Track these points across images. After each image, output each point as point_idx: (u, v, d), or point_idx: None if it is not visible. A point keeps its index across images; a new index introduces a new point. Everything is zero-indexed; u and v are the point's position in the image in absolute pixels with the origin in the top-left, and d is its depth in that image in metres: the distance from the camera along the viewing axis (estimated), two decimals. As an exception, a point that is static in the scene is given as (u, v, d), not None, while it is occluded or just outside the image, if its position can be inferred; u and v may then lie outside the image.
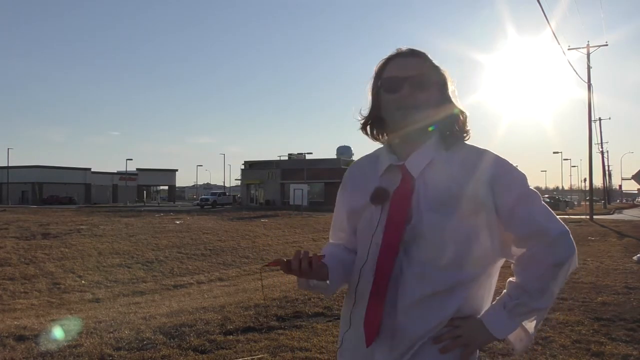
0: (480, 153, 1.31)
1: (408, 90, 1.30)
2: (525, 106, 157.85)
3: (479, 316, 1.33)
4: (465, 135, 1.37)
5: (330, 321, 5.02)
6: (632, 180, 18.80)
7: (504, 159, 1.31)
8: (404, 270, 1.29)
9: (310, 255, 1.32)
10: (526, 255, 1.30)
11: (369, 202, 1.36)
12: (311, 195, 49.52)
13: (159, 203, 66.35)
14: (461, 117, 1.36)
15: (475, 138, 1.38)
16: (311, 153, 55.92)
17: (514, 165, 1.32)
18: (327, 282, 1.38)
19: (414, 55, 1.36)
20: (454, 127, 1.35)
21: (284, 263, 1.33)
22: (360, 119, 1.44)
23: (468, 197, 1.26)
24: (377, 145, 1.47)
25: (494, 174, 1.27)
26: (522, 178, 1.30)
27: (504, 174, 1.28)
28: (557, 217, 1.30)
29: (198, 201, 56.09)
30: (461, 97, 1.40)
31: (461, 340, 1.27)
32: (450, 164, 1.29)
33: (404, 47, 1.38)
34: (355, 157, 62.96)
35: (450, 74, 1.38)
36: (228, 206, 52.19)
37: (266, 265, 1.39)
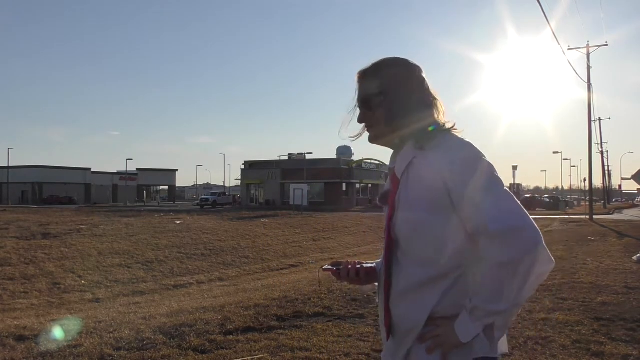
0: (448, 149, 1.29)
1: (361, 115, 1.41)
2: (525, 106, 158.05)
3: None
4: (443, 129, 1.36)
5: (330, 321, 5.02)
6: (632, 180, 18.80)
7: (466, 152, 1.28)
8: (393, 267, 1.37)
9: (358, 265, 1.44)
10: (478, 253, 1.23)
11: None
12: (311, 195, 49.50)
13: (159, 203, 66.34)
14: (427, 114, 1.37)
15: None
16: (311, 153, 55.93)
17: (479, 156, 1.28)
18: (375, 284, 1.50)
19: (363, 77, 1.42)
20: (423, 126, 1.35)
21: (336, 273, 1.45)
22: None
23: (433, 194, 1.26)
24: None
25: (452, 169, 1.25)
26: (477, 168, 1.24)
27: (460, 166, 1.25)
28: (516, 209, 1.20)
29: (198, 201, 56.10)
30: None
31: (439, 340, 1.28)
32: (423, 163, 1.30)
33: (361, 69, 1.43)
34: (355, 157, 63.10)
35: (408, 71, 1.39)
36: (228, 206, 52.19)
37: (324, 269, 1.50)
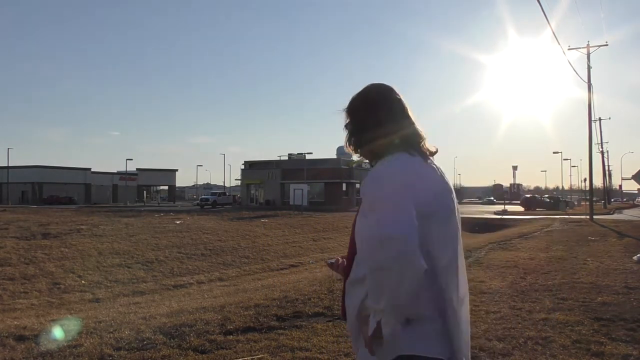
0: (373, 168, 1.53)
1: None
2: (525, 106, 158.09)
3: None
4: (379, 152, 1.57)
5: (330, 321, 5.02)
6: (632, 180, 18.79)
7: (375, 172, 1.48)
8: (353, 263, 1.58)
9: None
10: None
11: None
12: (311, 195, 49.46)
13: (159, 203, 66.35)
14: (367, 138, 1.59)
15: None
16: (311, 153, 55.87)
17: (381, 176, 1.46)
18: None
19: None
20: (368, 148, 1.61)
21: (331, 265, 1.77)
22: None
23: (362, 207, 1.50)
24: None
25: (363, 184, 1.50)
26: (367, 186, 1.46)
27: (364, 182, 1.49)
28: (388, 220, 1.33)
29: (198, 201, 56.06)
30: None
31: (363, 335, 1.44)
32: None
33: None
34: (355, 158, 62.84)
35: (363, 101, 1.61)
36: (228, 206, 52.18)
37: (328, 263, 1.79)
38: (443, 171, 1.59)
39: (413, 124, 1.60)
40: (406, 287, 1.32)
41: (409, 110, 1.62)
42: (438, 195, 1.48)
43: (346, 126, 1.65)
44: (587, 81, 28.54)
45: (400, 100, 1.61)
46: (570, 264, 9.36)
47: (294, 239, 21.05)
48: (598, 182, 65.20)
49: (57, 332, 4.83)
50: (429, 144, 1.61)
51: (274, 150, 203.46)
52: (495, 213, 39.40)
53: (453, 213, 1.53)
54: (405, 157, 1.50)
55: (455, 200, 1.58)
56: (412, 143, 1.55)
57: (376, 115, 1.57)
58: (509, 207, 47.61)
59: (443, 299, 1.45)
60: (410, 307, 1.38)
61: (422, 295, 1.40)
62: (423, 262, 1.32)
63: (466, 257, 11.44)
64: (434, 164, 1.57)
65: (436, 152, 1.62)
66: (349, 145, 1.66)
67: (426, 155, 1.56)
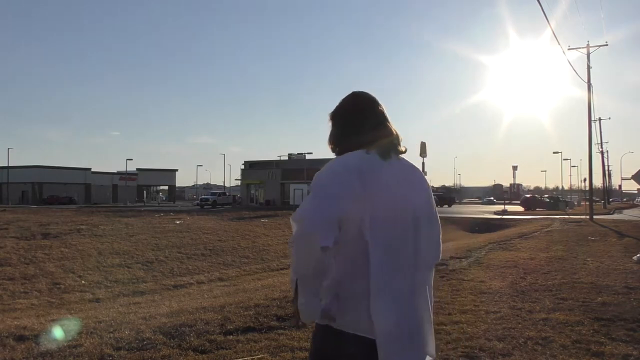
0: None
1: None
2: (525, 106, 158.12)
3: None
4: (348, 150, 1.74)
5: (330, 321, 5.02)
6: (632, 180, 18.78)
7: (319, 171, 1.66)
8: None
9: None
10: None
11: None
12: (311, 195, 49.26)
13: (159, 203, 66.33)
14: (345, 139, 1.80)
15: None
16: (311, 153, 55.84)
17: (317, 174, 1.63)
18: None
19: None
20: (344, 147, 1.80)
21: None
22: None
23: None
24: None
25: None
26: (312, 182, 1.64)
27: None
28: (303, 208, 1.55)
29: (198, 201, 55.96)
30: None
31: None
32: None
33: None
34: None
35: (338, 109, 1.85)
36: (228, 206, 52.18)
37: None
38: (409, 167, 1.79)
39: (385, 127, 1.78)
40: (305, 261, 1.50)
41: (382, 115, 1.80)
42: (376, 184, 1.60)
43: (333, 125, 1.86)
44: (587, 81, 28.55)
45: (372, 109, 1.80)
46: (570, 264, 9.36)
47: (294, 239, 21.01)
48: (598, 182, 65.18)
49: (57, 332, 4.82)
50: (400, 145, 1.78)
51: (274, 150, 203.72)
52: (495, 213, 39.38)
53: (394, 199, 1.63)
54: (358, 153, 1.67)
55: (422, 192, 1.75)
56: (374, 143, 1.71)
57: (343, 125, 1.81)
58: (509, 207, 47.59)
59: (381, 280, 1.54)
60: (316, 281, 1.52)
61: (350, 273, 1.57)
62: (324, 242, 1.46)
63: (466, 257, 11.33)
64: (396, 161, 1.73)
65: (404, 151, 1.80)
66: (330, 142, 1.86)
67: (387, 154, 1.70)
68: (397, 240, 1.60)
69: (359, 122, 1.77)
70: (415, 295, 1.62)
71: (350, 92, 1.86)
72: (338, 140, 1.81)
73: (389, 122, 1.80)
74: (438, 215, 1.80)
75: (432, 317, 1.70)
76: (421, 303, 1.63)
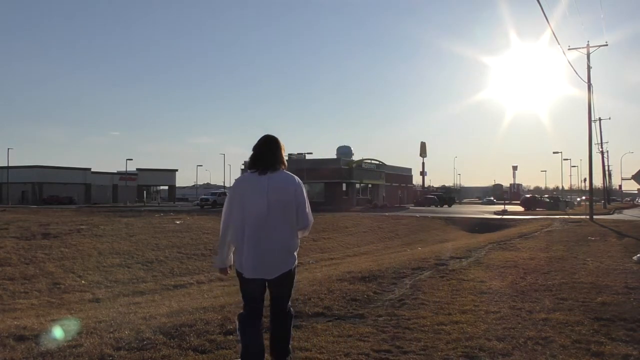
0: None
1: None
2: (525, 106, 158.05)
3: None
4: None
5: (330, 321, 5.02)
6: (632, 180, 18.79)
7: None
8: None
9: None
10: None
11: None
12: (311, 196, 49.41)
13: (159, 203, 66.33)
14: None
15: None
16: (311, 153, 55.94)
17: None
18: None
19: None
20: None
21: None
22: None
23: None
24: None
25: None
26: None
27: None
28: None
29: (197, 201, 55.88)
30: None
31: None
32: None
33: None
34: (355, 158, 63.16)
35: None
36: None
37: None
38: (280, 177, 3.27)
39: (274, 155, 3.32)
40: (221, 232, 3.32)
41: (276, 148, 3.36)
42: (249, 191, 3.26)
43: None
44: (587, 81, 28.56)
45: (273, 147, 3.37)
46: (570, 264, 9.36)
47: (294, 239, 20.99)
48: (598, 182, 65.16)
49: (57, 332, 4.82)
50: (282, 167, 3.33)
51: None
52: (495, 213, 39.40)
53: (253, 196, 3.21)
54: (247, 174, 3.37)
55: (265, 192, 3.19)
56: (261, 164, 3.29)
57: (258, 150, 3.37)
58: (509, 207, 47.62)
59: (245, 239, 3.19)
60: (223, 240, 3.31)
61: (236, 236, 3.24)
62: (225, 222, 3.30)
63: (466, 257, 11.34)
64: (268, 175, 3.24)
65: (276, 169, 3.28)
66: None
67: (264, 172, 3.25)
68: (251, 217, 3.20)
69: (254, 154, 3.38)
70: (263, 243, 3.18)
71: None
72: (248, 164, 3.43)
73: (275, 153, 3.33)
74: (295, 201, 3.24)
75: (288, 243, 3.26)
76: (269, 245, 3.18)
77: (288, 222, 3.21)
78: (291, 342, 3.48)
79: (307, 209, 3.29)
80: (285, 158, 3.43)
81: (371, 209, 48.03)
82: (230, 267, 3.33)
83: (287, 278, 3.25)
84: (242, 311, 3.35)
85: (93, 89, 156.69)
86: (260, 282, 3.20)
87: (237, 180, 3.45)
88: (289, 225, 3.22)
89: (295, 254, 3.32)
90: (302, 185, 3.33)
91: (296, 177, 3.31)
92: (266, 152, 3.24)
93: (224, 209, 3.29)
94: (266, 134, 3.35)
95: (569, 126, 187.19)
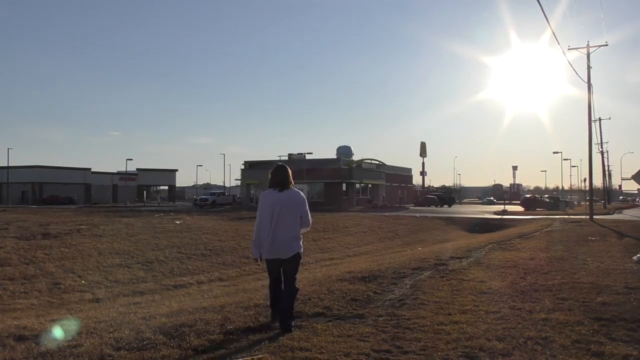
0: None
1: None
2: (525, 106, 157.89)
3: None
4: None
5: (330, 321, 5.03)
6: (632, 180, 18.79)
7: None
8: None
9: None
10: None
11: None
12: (311, 195, 49.50)
13: (159, 203, 66.34)
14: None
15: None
16: (311, 153, 55.79)
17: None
18: None
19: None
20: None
21: None
22: None
23: None
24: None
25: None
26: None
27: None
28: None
29: (197, 201, 55.79)
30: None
31: None
32: None
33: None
34: (355, 158, 63.19)
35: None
36: (228, 206, 52.16)
37: None
38: (290, 193, 4.90)
39: (286, 178, 4.97)
40: (255, 230, 4.95)
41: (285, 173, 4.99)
42: (271, 202, 4.85)
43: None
44: (587, 81, 28.56)
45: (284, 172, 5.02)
46: (570, 264, 9.36)
47: (294, 239, 20.98)
48: (598, 182, 65.15)
49: (57, 332, 4.82)
50: (290, 185, 4.96)
51: (274, 150, 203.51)
52: (495, 213, 39.40)
53: (272, 207, 4.82)
54: (269, 190, 4.98)
55: (281, 202, 4.81)
56: (278, 185, 4.93)
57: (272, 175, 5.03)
58: (509, 207, 47.63)
59: (264, 234, 4.81)
60: (257, 237, 4.89)
61: (259, 233, 4.86)
62: (257, 222, 4.92)
63: (466, 257, 11.34)
64: (283, 192, 4.87)
65: (287, 187, 4.92)
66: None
67: (281, 189, 4.89)
68: (271, 219, 4.79)
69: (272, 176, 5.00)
70: (279, 234, 4.76)
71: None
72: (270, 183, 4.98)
73: (287, 177, 4.97)
74: (300, 209, 4.86)
75: (294, 234, 4.84)
76: (282, 237, 4.76)
77: (295, 222, 4.84)
78: (295, 306, 5.07)
79: (308, 215, 4.93)
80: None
81: (371, 209, 48.02)
82: (260, 257, 4.84)
83: (295, 258, 4.85)
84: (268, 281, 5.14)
85: (93, 89, 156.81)
86: (278, 261, 4.82)
87: (263, 194, 5.00)
88: (295, 224, 4.85)
89: (301, 242, 4.92)
90: (305, 197, 4.99)
91: (301, 192, 4.94)
92: (281, 176, 4.93)
93: (257, 213, 4.91)
94: (279, 163, 5.23)
95: (569, 126, 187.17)
